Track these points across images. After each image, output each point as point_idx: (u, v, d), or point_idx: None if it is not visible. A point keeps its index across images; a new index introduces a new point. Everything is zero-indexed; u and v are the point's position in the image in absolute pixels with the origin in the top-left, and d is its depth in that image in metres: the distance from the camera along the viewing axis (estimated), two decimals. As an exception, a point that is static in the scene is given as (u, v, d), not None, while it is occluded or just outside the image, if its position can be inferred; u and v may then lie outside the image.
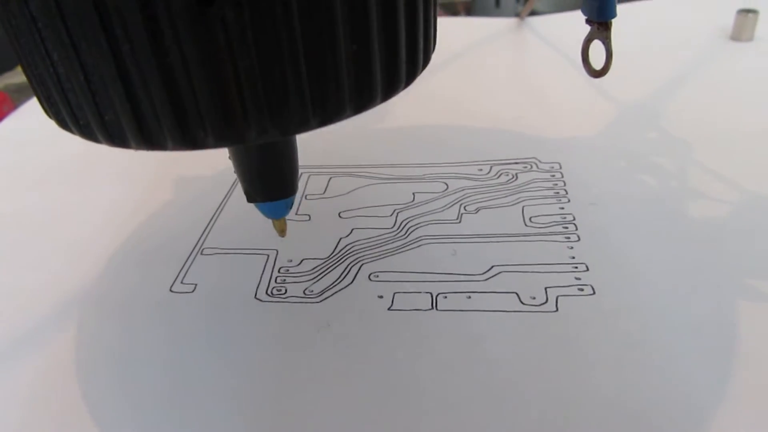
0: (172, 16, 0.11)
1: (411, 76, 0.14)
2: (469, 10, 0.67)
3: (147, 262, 0.20)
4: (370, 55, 0.13)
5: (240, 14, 0.11)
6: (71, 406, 0.15)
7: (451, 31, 0.39)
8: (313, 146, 0.26)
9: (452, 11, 0.60)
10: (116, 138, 0.13)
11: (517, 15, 0.39)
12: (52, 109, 0.13)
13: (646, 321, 0.16)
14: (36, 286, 0.20)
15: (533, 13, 0.43)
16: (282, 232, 0.18)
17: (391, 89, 0.14)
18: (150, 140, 0.12)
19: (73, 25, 0.11)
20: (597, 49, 0.20)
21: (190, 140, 0.12)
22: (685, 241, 0.19)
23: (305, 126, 0.13)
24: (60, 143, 0.28)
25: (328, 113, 0.13)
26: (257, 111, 0.12)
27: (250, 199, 0.17)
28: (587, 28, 0.20)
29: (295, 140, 0.17)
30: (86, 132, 0.13)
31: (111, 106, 0.12)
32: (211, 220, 0.22)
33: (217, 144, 0.12)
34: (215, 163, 0.25)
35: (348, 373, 0.16)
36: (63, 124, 0.14)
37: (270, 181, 0.16)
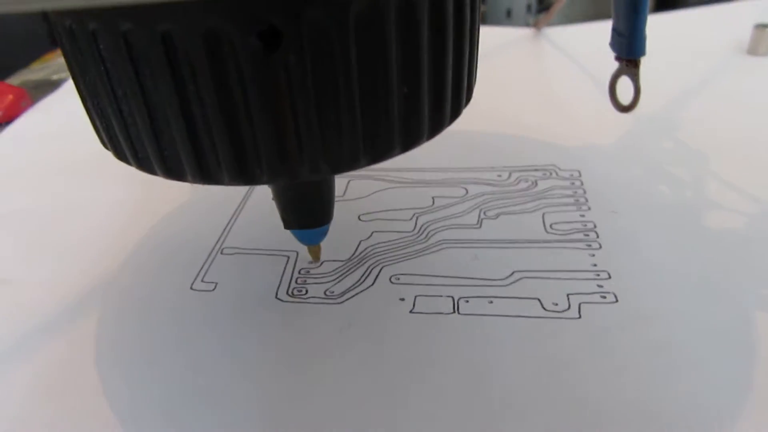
0: (238, 59, 0.11)
1: (455, 113, 0.15)
2: (481, 20, 0.68)
3: (168, 259, 0.20)
4: (420, 97, 0.13)
5: (302, 59, 0.11)
6: (88, 400, 0.15)
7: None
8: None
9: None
10: (174, 172, 0.13)
11: (529, 25, 0.39)
12: (111, 141, 0.14)
13: (669, 328, 0.16)
14: (56, 281, 0.20)
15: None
16: (316, 258, 0.19)
17: (436, 127, 0.14)
18: (208, 176, 0.13)
19: (141, 65, 0.11)
20: (624, 83, 0.20)
21: (246, 177, 0.13)
22: (705, 250, 0.19)
23: (356, 164, 0.13)
24: (80, 139, 0.28)
25: (378, 152, 0.13)
26: (312, 149, 0.12)
27: (286, 226, 0.17)
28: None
29: (333, 177, 0.17)
30: (144, 165, 0.13)
31: (172, 142, 0.12)
32: (231, 219, 0.22)
33: (271, 180, 0.13)
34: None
35: (369, 374, 0.16)
36: (121, 156, 0.14)
37: (307, 211, 0.17)
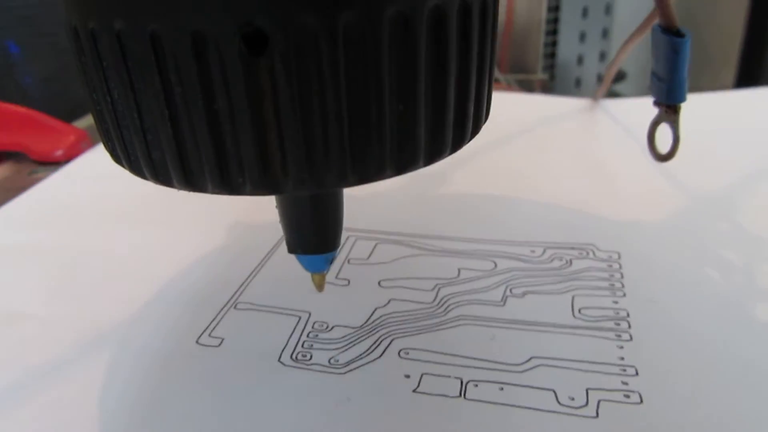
0: (223, 62, 0.11)
1: (457, 143, 0.14)
2: (546, 89, 0.67)
3: (182, 310, 0.20)
4: (416, 117, 0.13)
5: (287, 66, 0.11)
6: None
7: (523, 107, 0.39)
8: (364, 209, 0.26)
9: (528, 89, 0.60)
10: (161, 176, 0.13)
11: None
12: (108, 144, 0.14)
13: (698, 443, 0.15)
14: (69, 322, 0.20)
15: (612, 95, 0.43)
16: (320, 287, 0.18)
17: (435, 154, 0.13)
18: (192, 181, 0.13)
19: (133, 66, 0.12)
20: (664, 132, 0.19)
21: (228, 185, 0.12)
22: (755, 355, 0.17)
23: (343, 182, 0.13)
24: (126, 183, 0.29)
25: (367, 171, 0.13)
26: (296, 162, 0.12)
27: (290, 250, 0.17)
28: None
29: (341, 195, 0.16)
30: (135, 168, 0.13)
31: (159, 145, 0.12)
32: (252, 272, 0.22)
33: (254, 191, 0.12)
34: (274, 213, 0.25)
35: (360, 457, 0.15)
36: (116, 158, 0.14)
37: (312, 235, 0.16)
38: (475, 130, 0.15)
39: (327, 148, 0.12)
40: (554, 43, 0.74)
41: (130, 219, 0.26)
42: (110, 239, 0.25)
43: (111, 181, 0.30)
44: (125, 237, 0.25)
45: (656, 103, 0.19)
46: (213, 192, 0.13)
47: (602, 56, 0.79)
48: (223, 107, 0.11)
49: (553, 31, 0.73)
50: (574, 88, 0.78)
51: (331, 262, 0.17)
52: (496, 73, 0.55)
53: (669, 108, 0.19)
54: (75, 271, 0.23)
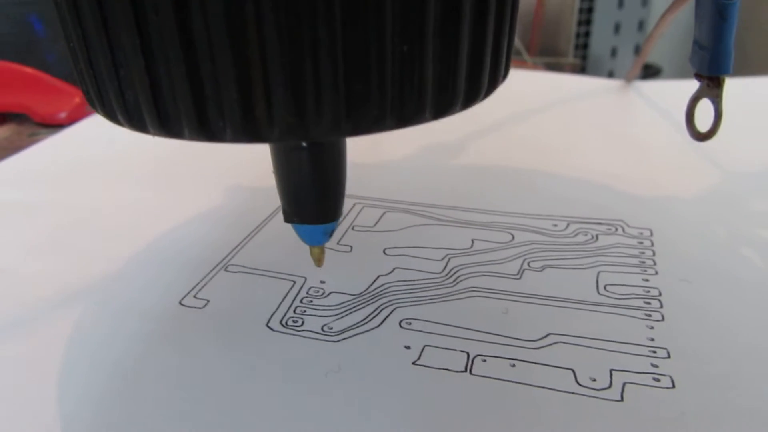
0: None
1: (471, 98, 0.12)
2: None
3: (168, 269, 0.18)
4: (423, 61, 0.11)
5: None
6: (40, 399, 0.13)
7: (551, 85, 0.37)
8: (373, 177, 0.24)
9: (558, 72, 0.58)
10: (135, 120, 0.12)
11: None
12: (83, 85, 0.13)
13: (739, 433, 0.12)
14: (49, 276, 0.18)
15: (645, 78, 0.40)
16: (318, 261, 0.16)
17: (444, 106, 0.12)
18: (167, 125, 0.11)
19: None
20: (704, 109, 0.17)
21: (207, 130, 0.11)
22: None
23: (336, 130, 0.11)
24: (130, 146, 0.28)
25: (364, 120, 0.11)
26: (282, 105, 0.10)
27: (286, 219, 0.15)
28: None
29: (343, 157, 0.15)
30: (108, 111, 0.12)
31: (131, 83, 0.11)
32: (247, 236, 0.20)
33: (235, 137, 0.11)
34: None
35: (350, 428, 0.13)
36: (90, 101, 0.13)
37: (310, 202, 0.14)
38: (492, 86, 0.13)
39: (318, 90, 0.10)
40: (587, 34, 0.71)
41: (130, 180, 0.25)
42: (106, 199, 0.23)
43: (112, 144, 0.28)
44: (122, 197, 0.24)
45: (697, 76, 0.17)
46: (190, 138, 0.11)
47: (637, 49, 0.76)
48: (201, 39, 0.10)
49: (587, 21, 0.70)
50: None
51: (331, 234, 0.15)
52: (523, 54, 0.53)
53: (711, 81, 0.17)
54: (65, 229, 0.21)
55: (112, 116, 0.12)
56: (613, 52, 0.74)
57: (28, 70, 0.33)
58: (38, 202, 0.23)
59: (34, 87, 0.32)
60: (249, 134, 0.11)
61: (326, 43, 0.10)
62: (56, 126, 0.32)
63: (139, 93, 0.11)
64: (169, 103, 0.11)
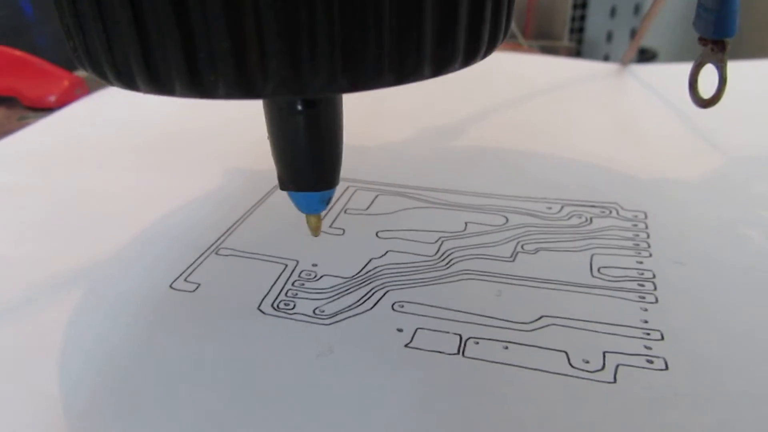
0: None
1: (471, 55, 0.12)
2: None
3: (157, 252, 0.18)
4: (421, 13, 0.11)
5: None
6: (33, 384, 0.13)
7: (546, 68, 0.36)
8: (366, 159, 0.24)
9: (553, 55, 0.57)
10: (124, 76, 0.11)
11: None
12: (70, 42, 0.12)
13: (727, 416, 0.12)
14: (39, 261, 0.18)
15: (641, 62, 0.40)
16: (315, 230, 0.16)
17: (444, 62, 0.11)
18: (157, 80, 0.11)
19: None
20: (707, 75, 0.17)
21: (198, 85, 0.11)
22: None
23: (332, 85, 0.11)
24: (121, 130, 0.28)
25: (362, 74, 0.11)
26: (276, 57, 0.10)
27: (282, 186, 0.15)
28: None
29: (340, 120, 0.14)
30: (97, 68, 0.12)
31: (119, 35, 0.10)
32: (240, 218, 0.20)
33: (228, 93, 0.11)
34: (270, 160, 0.23)
35: (341, 410, 0.13)
36: (78, 58, 0.12)
37: (307, 168, 0.14)
38: (492, 44, 0.12)
39: (313, 41, 0.10)
40: (583, 17, 0.71)
41: (119, 164, 0.25)
42: (96, 182, 0.23)
43: (102, 128, 0.28)
44: (112, 181, 0.23)
45: (701, 41, 0.17)
46: (181, 94, 0.11)
47: (633, 34, 0.75)
48: None
49: (582, 5, 0.70)
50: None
51: (328, 201, 0.15)
52: (519, 38, 0.52)
53: (715, 45, 0.16)
54: (55, 213, 0.21)
55: (100, 73, 0.12)
56: (609, 36, 0.73)
57: (17, 53, 0.32)
58: (29, 186, 0.23)
59: (23, 70, 0.32)
60: (242, 88, 0.10)
61: None
62: (46, 109, 0.31)
63: (128, 46, 0.11)
64: (159, 56, 0.10)
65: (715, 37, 0.16)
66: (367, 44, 0.10)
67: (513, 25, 0.55)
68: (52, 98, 0.32)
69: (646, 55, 0.74)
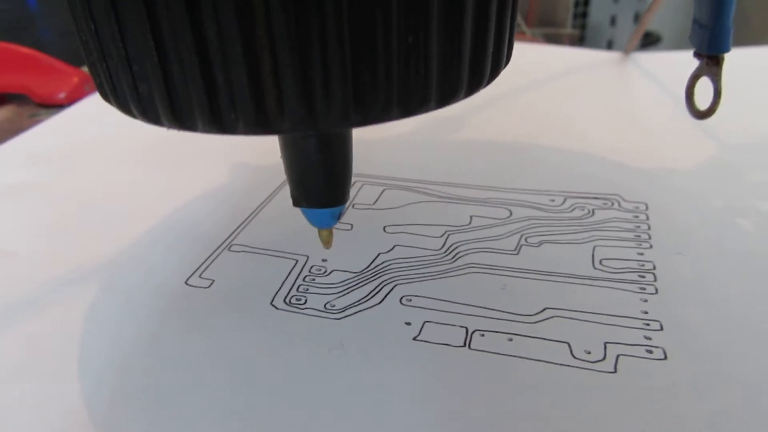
0: None
1: (474, 85, 0.13)
2: (574, 46, 0.64)
3: (172, 250, 0.19)
4: (428, 51, 0.11)
5: None
6: (54, 381, 0.14)
7: (548, 57, 0.37)
8: (372, 154, 0.24)
9: (556, 44, 0.58)
10: (149, 113, 0.12)
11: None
12: (96, 78, 0.13)
13: (727, 404, 0.13)
14: (55, 258, 0.19)
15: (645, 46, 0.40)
16: (327, 243, 0.17)
17: (448, 95, 0.12)
18: (181, 118, 0.11)
19: None
20: (704, 87, 0.17)
21: (219, 123, 0.11)
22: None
23: (345, 121, 0.11)
24: (130, 127, 0.28)
25: (372, 110, 0.11)
26: (292, 97, 0.11)
27: (295, 203, 0.15)
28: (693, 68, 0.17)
29: (350, 141, 0.15)
30: (123, 104, 0.12)
31: (145, 77, 0.11)
32: (250, 215, 0.21)
33: (247, 130, 0.11)
34: (278, 156, 0.24)
35: (352, 402, 0.13)
36: (104, 94, 0.13)
37: (318, 186, 0.15)
38: (494, 72, 0.13)
39: (327, 82, 0.11)
40: (586, 2, 0.71)
41: (132, 160, 0.25)
42: (109, 179, 0.24)
43: (114, 125, 0.28)
44: (125, 177, 0.24)
45: (697, 55, 0.17)
46: (204, 131, 0.12)
47: (637, 17, 0.75)
48: (213, 34, 0.10)
49: (585, -11, 0.69)
50: (606, 50, 0.75)
51: (339, 217, 0.16)
52: (522, 26, 0.52)
53: (711, 59, 0.17)
54: (72, 210, 0.22)
55: (126, 109, 0.12)
56: (613, 21, 0.73)
57: (25, 50, 0.33)
58: (44, 184, 0.24)
59: (33, 67, 0.32)
60: (261, 126, 0.11)
61: (334, 35, 0.10)
62: (56, 106, 0.32)
63: (153, 87, 0.11)
64: (183, 96, 0.11)
65: (710, 53, 0.16)
66: (376, 83, 0.11)
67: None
68: (62, 95, 0.32)
69: (650, 39, 0.74)
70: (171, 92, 0.11)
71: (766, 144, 0.25)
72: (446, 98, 0.12)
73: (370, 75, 0.11)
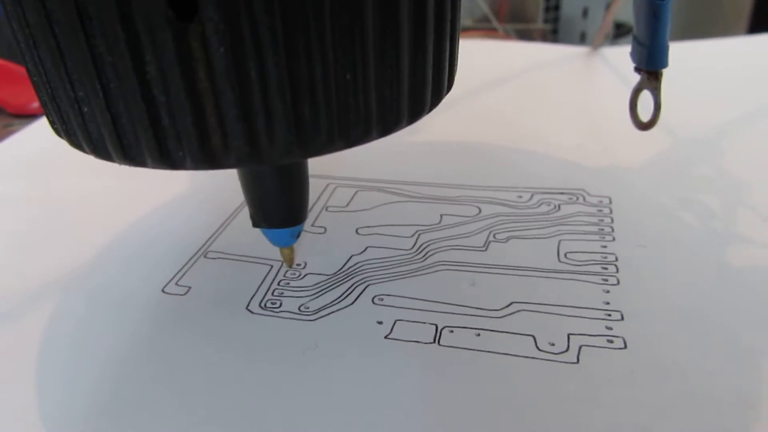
0: (152, 29, 0.10)
1: (415, 114, 0.13)
2: (548, 41, 0.65)
3: (148, 257, 0.19)
4: (366, 87, 0.12)
5: (220, 32, 0.10)
6: (22, 394, 0.14)
7: (514, 54, 0.37)
8: (344, 157, 0.25)
9: (528, 40, 0.58)
10: (100, 151, 0.12)
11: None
12: (49, 116, 0.13)
13: (683, 390, 0.14)
14: (23, 270, 0.19)
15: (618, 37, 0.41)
16: (289, 261, 0.18)
17: (389, 125, 0.13)
18: (130, 156, 0.12)
19: (60, 33, 0.11)
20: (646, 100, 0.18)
21: (168, 160, 0.12)
22: (731, 295, 0.16)
23: (288, 155, 0.12)
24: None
25: (313, 144, 0.12)
26: (237, 136, 0.11)
27: (255, 224, 0.16)
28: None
29: (305, 167, 0.16)
30: (74, 142, 0.13)
31: (94, 118, 0.12)
32: (224, 222, 0.21)
33: (195, 166, 0.12)
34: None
35: (327, 401, 0.14)
36: (57, 131, 0.13)
37: (276, 208, 0.15)
38: (436, 100, 0.14)
39: (269, 120, 0.11)
40: (557, -5, 0.71)
41: (105, 169, 0.25)
42: (84, 188, 0.24)
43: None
44: (99, 186, 0.24)
45: (637, 70, 0.18)
46: (153, 167, 0.12)
47: (608, 8, 0.76)
48: (156, 77, 0.11)
49: (556, -18, 0.70)
50: (578, 42, 0.75)
51: (298, 236, 0.17)
52: (493, 22, 0.53)
53: (650, 74, 0.18)
54: (45, 220, 0.22)
55: (78, 146, 0.13)
56: (585, 13, 0.74)
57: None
58: (18, 194, 0.24)
59: (5, 77, 0.32)
60: (208, 162, 0.12)
61: (273, 75, 0.11)
62: (29, 116, 0.32)
63: (102, 127, 0.12)
64: (131, 136, 0.11)
65: (648, 69, 0.17)
66: (317, 120, 0.11)
67: (487, 10, 0.56)
68: (36, 105, 0.32)
69: (621, 30, 0.75)
70: (119, 132, 0.11)
71: (711, 138, 0.25)
72: (388, 128, 0.13)
73: (310, 111, 0.11)
